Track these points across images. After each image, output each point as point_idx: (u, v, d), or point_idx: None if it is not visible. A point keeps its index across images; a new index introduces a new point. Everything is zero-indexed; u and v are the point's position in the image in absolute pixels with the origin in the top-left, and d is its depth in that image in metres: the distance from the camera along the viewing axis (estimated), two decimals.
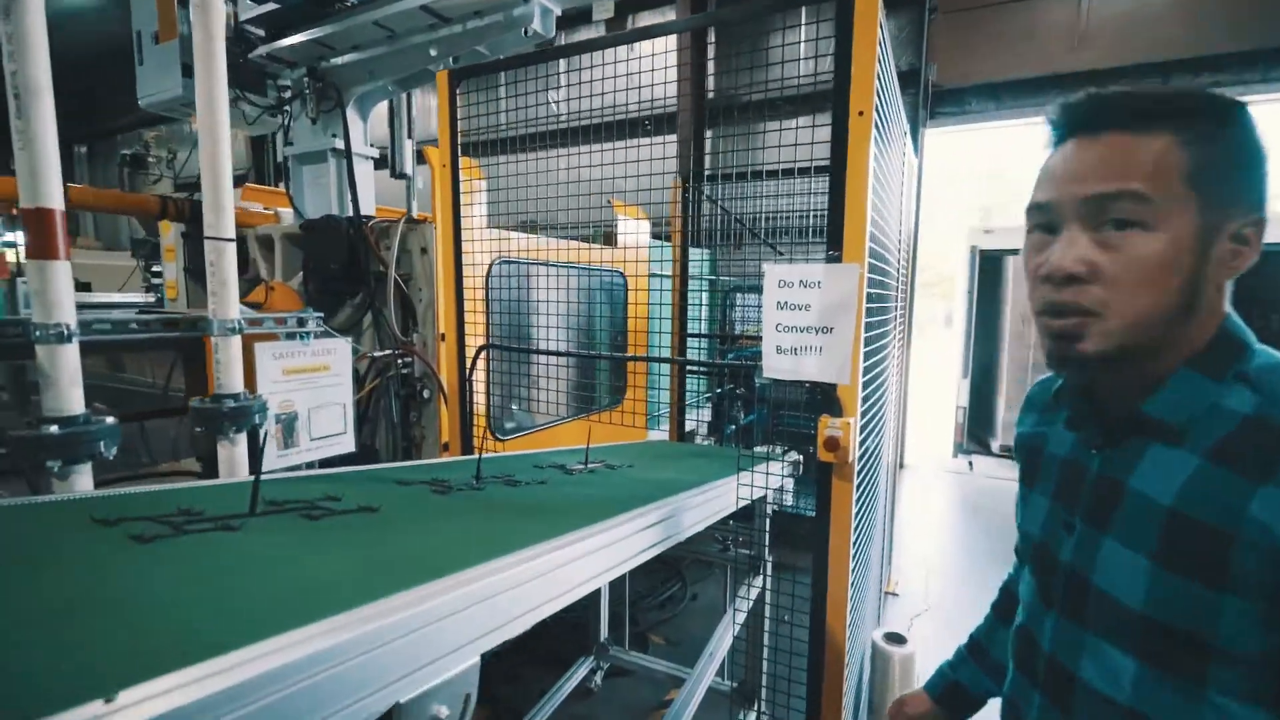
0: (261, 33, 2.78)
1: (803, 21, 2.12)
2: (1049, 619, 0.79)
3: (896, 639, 2.22)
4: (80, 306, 1.18)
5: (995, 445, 7.31)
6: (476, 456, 1.65)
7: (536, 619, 0.89)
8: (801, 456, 2.53)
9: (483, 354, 2.41)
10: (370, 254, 2.49)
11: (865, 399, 1.78)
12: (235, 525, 0.91)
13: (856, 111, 1.54)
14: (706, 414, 4.85)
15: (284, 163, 3.04)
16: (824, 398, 1.66)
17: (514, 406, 2.86)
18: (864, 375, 1.70)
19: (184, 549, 0.81)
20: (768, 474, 1.96)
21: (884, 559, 3.45)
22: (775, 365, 1.69)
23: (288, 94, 2.92)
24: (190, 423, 1.37)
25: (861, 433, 1.73)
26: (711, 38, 6.71)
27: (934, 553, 4.54)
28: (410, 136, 3.26)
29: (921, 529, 5.01)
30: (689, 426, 4.28)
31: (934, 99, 6.16)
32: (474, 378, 2.39)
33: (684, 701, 1.75)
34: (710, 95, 6.84)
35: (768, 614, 2.46)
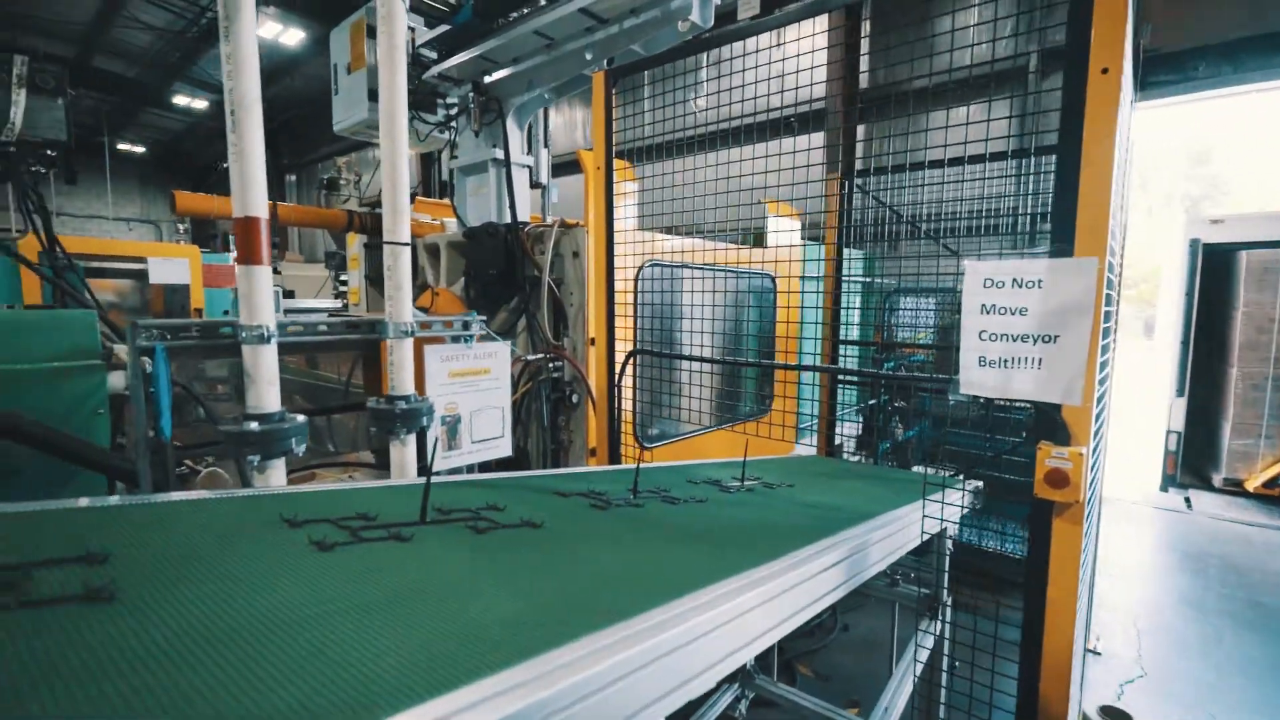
0: (434, 55, 2.97)
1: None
2: None
3: (1118, 716, 1.82)
4: (286, 311, 1.27)
5: (1218, 479, 6.04)
6: (629, 466, 1.57)
7: (717, 677, 0.76)
8: (982, 484, 2.18)
9: (631, 360, 2.35)
10: (526, 258, 2.53)
11: (1097, 424, 1.45)
12: (406, 536, 0.88)
13: (1099, 69, 1.25)
14: (852, 428, 4.47)
15: (449, 176, 3.22)
16: (1044, 421, 1.36)
17: (658, 414, 2.79)
18: (1097, 394, 1.38)
19: (364, 560, 0.78)
20: (955, 502, 1.68)
21: (1088, 609, 2.92)
22: (977, 380, 1.42)
23: (454, 110, 3.10)
24: (367, 422, 1.44)
25: (1093, 467, 1.41)
26: (866, 31, 6.26)
27: (1143, 607, 3.79)
28: (546, 146, 3.34)
29: (1125, 576, 4.22)
30: (835, 442, 3.96)
31: (1145, 67, 5.21)
32: (622, 383, 2.34)
33: None
34: (864, 86, 6.37)
35: (944, 663, 2.14)
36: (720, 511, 1.40)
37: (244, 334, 1.13)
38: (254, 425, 1.14)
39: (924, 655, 1.86)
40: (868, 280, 4.56)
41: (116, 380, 1.48)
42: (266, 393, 1.16)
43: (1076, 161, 1.29)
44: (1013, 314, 1.39)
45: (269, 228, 1.15)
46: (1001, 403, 1.59)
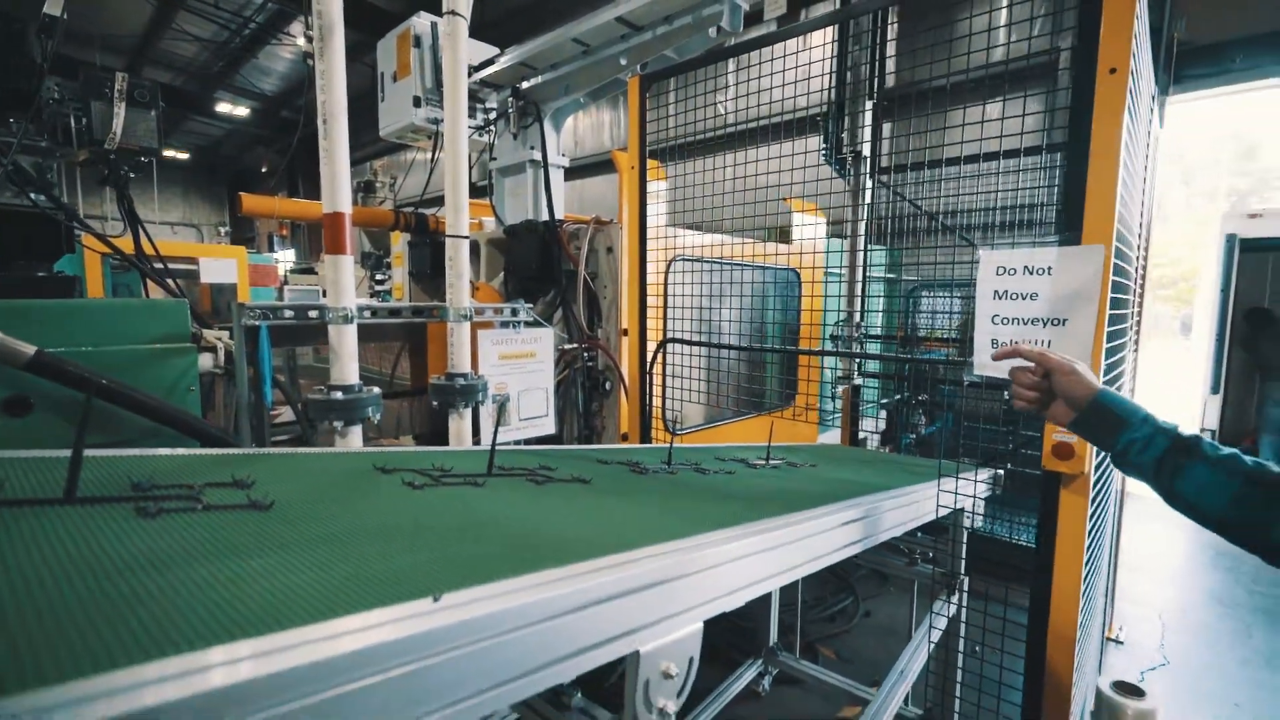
0: (474, 62, 3.14)
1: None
2: None
3: (1131, 690, 1.89)
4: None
5: None
6: (663, 445, 1.70)
7: (754, 595, 0.89)
8: (1002, 471, 2.26)
9: (662, 349, 2.48)
10: (562, 254, 2.68)
11: None
12: (480, 482, 1.03)
13: (1108, 69, 1.34)
14: (877, 423, 4.53)
15: (488, 176, 3.39)
16: None
17: (685, 401, 2.91)
18: (1104, 374, 1.47)
19: (446, 496, 0.93)
20: (973, 481, 1.78)
21: (1108, 598, 2.96)
22: (991, 362, 1.52)
23: (493, 114, 3.27)
24: (431, 396, 1.60)
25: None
26: (893, 33, 6.29)
27: (1167, 599, 3.79)
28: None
29: (1150, 569, 4.22)
30: (859, 436, 4.04)
31: (1180, 60, 5.17)
32: (653, 372, 2.47)
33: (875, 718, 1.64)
34: (889, 84, 6.41)
35: (962, 643, 2.23)
36: (748, 481, 1.53)
37: (330, 315, 1.30)
38: (338, 394, 1.30)
39: (941, 624, 1.95)
40: (890, 278, 4.62)
41: (205, 361, 1.66)
42: (348, 367, 1.33)
43: (1084, 156, 1.38)
44: (1024, 299, 1.48)
45: (351, 222, 1.31)
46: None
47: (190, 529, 0.64)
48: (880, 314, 4.65)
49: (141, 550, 0.57)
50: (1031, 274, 1.48)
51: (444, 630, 0.48)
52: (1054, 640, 1.53)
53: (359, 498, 0.86)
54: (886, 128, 6.40)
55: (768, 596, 2.70)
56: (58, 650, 0.38)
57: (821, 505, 1.23)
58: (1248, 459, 0.90)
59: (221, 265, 6.03)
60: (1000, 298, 1.51)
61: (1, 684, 0.32)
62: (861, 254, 3.01)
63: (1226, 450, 0.91)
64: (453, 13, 1.46)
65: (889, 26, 6.29)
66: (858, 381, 3.65)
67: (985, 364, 1.53)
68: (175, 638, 0.41)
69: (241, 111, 14.89)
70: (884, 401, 4.57)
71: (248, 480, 0.82)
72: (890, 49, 6.25)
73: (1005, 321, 1.51)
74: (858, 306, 3.08)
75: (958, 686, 2.18)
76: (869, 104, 2.95)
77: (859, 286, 3.05)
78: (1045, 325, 1.46)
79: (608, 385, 2.65)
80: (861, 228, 3.07)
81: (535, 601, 0.54)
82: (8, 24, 1.41)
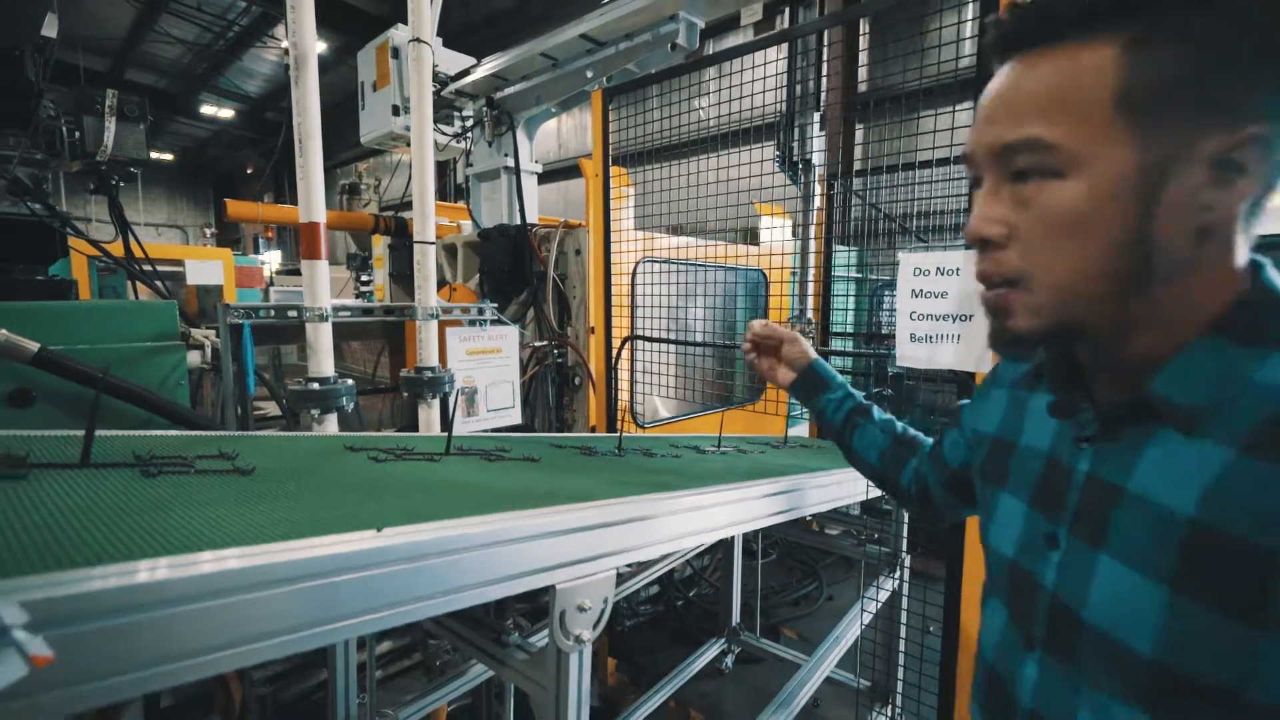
0: (450, 73, 3.28)
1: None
2: (1029, 664, 0.60)
3: None
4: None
5: None
6: (618, 435, 1.85)
7: (672, 548, 1.05)
8: None
9: (627, 344, 2.64)
10: (533, 256, 2.83)
11: None
12: (436, 459, 1.18)
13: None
14: None
15: (464, 182, 3.54)
16: (962, 387, 1.63)
17: (650, 395, 3.07)
18: None
19: (405, 468, 1.08)
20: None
21: None
22: (909, 353, 1.69)
23: (469, 122, 3.41)
24: (402, 388, 1.74)
25: None
26: (865, 43, 6.49)
27: None
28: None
29: None
30: None
31: None
32: (618, 366, 2.63)
33: (801, 681, 1.80)
34: (862, 88, 6.60)
35: (905, 616, 2.40)
36: (691, 463, 1.68)
37: (307, 314, 1.44)
38: (315, 385, 1.44)
39: (883, 598, 2.12)
40: (858, 277, 4.80)
41: (194, 358, 1.80)
42: (324, 361, 1.47)
43: None
44: (936, 297, 1.65)
45: (325, 231, 1.45)
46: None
47: (185, 486, 0.79)
48: (849, 312, 4.83)
49: (145, 499, 0.72)
50: (943, 274, 1.65)
51: (383, 549, 0.64)
52: (967, 606, 1.70)
53: (328, 467, 1.01)
54: (859, 134, 6.60)
55: (730, 579, 2.87)
56: (74, 554, 0.52)
57: (754, 480, 1.39)
58: (899, 424, 1.06)
59: (208, 267, 6.12)
60: (917, 296, 1.68)
61: (42, 567, 0.47)
62: (813, 255, 3.18)
63: (887, 416, 1.07)
64: (418, 40, 1.62)
65: (859, 37, 6.50)
66: None
67: (906, 354, 1.70)
68: (172, 548, 0.56)
69: (226, 113, 14.89)
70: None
71: (233, 454, 0.97)
72: (862, 58, 6.47)
73: (921, 317, 1.68)
74: (809, 305, 3.25)
75: (901, 657, 2.36)
76: (815, 116, 3.12)
77: (809, 286, 3.22)
78: (954, 320, 1.63)
79: (577, 380, 2.80)
80: (813, 230, 3.24)
81: (457, 535, 0.69)
82: (7, 52, 1.54)
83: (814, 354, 1.13)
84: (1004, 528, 0.66)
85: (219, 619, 0.50)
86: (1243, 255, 0.51)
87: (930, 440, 1.02)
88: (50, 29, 1.81)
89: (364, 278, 7.56)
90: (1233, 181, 0.47)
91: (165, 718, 1.63)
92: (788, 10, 6.92)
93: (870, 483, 1.13)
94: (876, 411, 1.06)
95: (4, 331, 1.38)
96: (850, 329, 4.75)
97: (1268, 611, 0.43)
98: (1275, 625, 0.43)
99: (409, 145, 3.30)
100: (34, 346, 1.37)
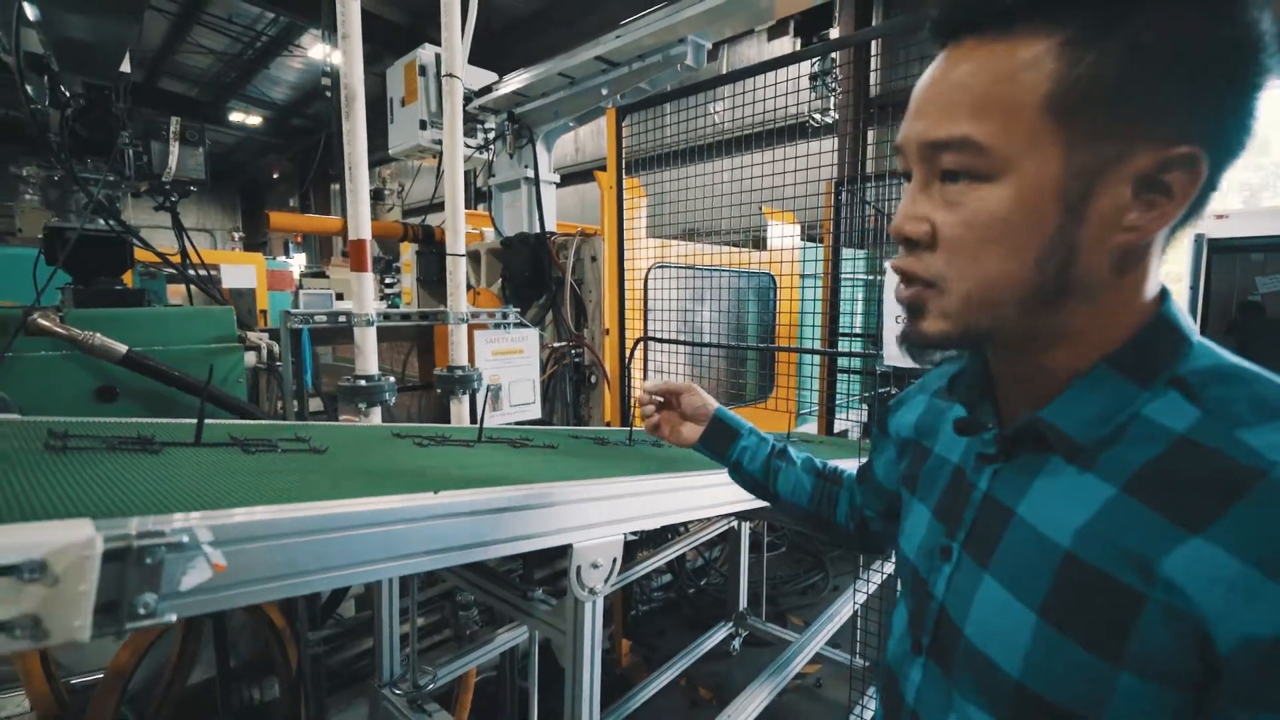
0: (475, 89, 3.48)
1: None
2: (915, 668, 0.63)
3: None
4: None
5: None
6: (629, 428, 2.03)
7: (670, 521, 1.23)
8: None
9: (640, 345, 2.82)
10: (552, 263, 3.02)
11: None
12: (470, 444, 1.37)
13: None
14: (856, 415, 4.84)
15: (487, 192, 3.74)
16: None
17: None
18: None
19: (445, 451, 1.27)
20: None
21: None
22: (896, 354, 1.85)
23: (491, 135, 3.61)
24: (437, 385, 1.94)
25: None
26: (876, 48, 6.61)
27: None
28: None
29: None
30: (842, 427, 4.35)
31: None
32: (631, 366, 2.81)
33: (794, 652, 1.96)
34: (874, 93, 6.73)
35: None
36: (694, 453, 1.86)
37: (355, 319, 1.64)
38: (362, 382, 1.64)
39: (877, 580, 2.28)
40: (867, 279, 4.93)
41: (250, 359, 2.01)
42: (370, 360, 1.67)
43: None
44: None
45: (370, 246, 1.65)
46: None
47: (276, 460, 0.99)
48: (859, 316, 4.95)
49: (249, 467, 0.91)
50: None
51: (435, 506, 0.82)
52: None
53: (384, 449, 1.20)
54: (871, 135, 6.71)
55: (737, 565, 3.03)
56: (230, 499, 0.71)
57: None
58: (818, 460, 0.99)
59: (241, 271, 6.43)
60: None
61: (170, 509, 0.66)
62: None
63: (805, 454, 0.98)
64: (450, 75, 1.81)
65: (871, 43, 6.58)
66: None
67: (892, 355, 1.86)
68: (266, 499, 0.75)
69: (254, 120, 15.35)
70: (866, 395, 4.88)
71: (307, 438, 1.16)
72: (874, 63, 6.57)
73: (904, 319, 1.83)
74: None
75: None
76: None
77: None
78: None
79: (593, 379, 2.99)
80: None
81: (491, 498, 0.88)
82: (99, 89, 1.76)
83: (715, 402, 1.01)
84: (911, 534, 0.67)
85: (336, 547, 0.69)
86: (1155, 283, 0.50)
87: (851, 471, 0.97)
88: (125, 65, 2.04)
89: (388, 280, 7.85)
90: (1158, 204, 0.46)
91: (233, 675, 1.84)
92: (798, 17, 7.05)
93: (801, 527, 1.03)
94: (792, 451, 0.98)
95: (97, 335, 1.59)
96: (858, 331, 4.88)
97: (1126, 649, 0.44)
98: (1132, 664, 0.44)
99: (434, 156, 3.52)
100: (122, 348, 1.59)
